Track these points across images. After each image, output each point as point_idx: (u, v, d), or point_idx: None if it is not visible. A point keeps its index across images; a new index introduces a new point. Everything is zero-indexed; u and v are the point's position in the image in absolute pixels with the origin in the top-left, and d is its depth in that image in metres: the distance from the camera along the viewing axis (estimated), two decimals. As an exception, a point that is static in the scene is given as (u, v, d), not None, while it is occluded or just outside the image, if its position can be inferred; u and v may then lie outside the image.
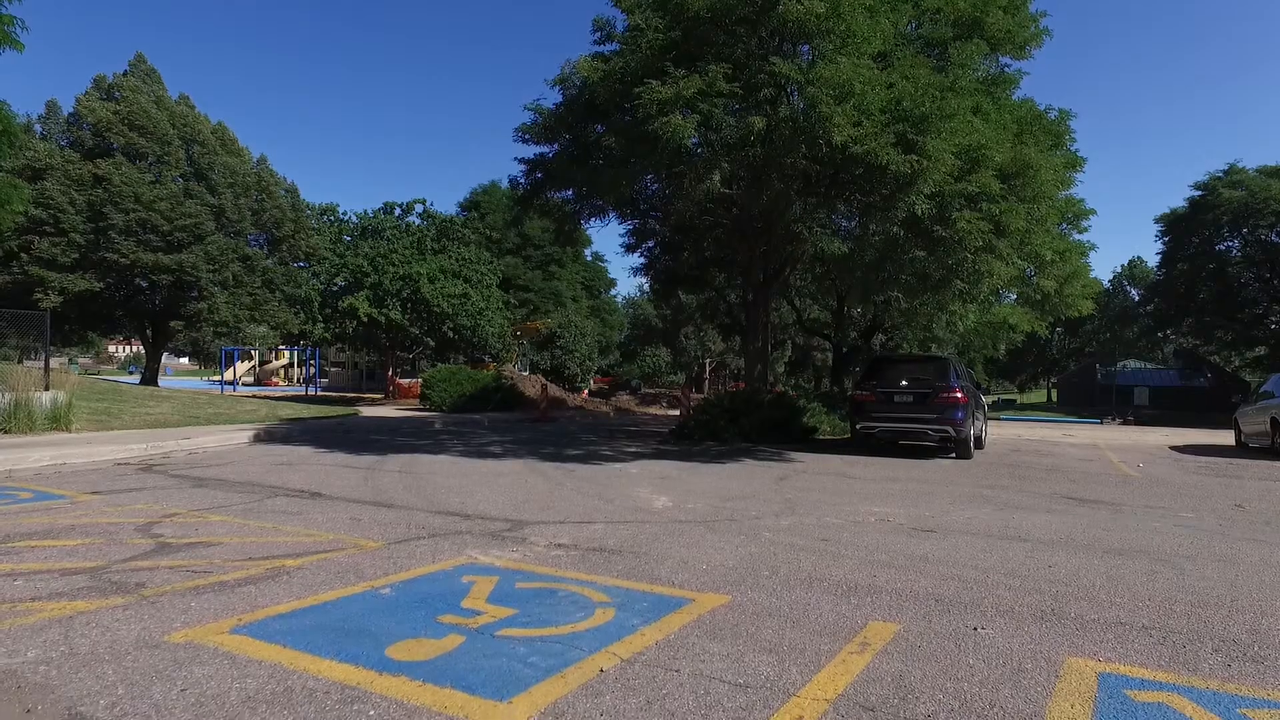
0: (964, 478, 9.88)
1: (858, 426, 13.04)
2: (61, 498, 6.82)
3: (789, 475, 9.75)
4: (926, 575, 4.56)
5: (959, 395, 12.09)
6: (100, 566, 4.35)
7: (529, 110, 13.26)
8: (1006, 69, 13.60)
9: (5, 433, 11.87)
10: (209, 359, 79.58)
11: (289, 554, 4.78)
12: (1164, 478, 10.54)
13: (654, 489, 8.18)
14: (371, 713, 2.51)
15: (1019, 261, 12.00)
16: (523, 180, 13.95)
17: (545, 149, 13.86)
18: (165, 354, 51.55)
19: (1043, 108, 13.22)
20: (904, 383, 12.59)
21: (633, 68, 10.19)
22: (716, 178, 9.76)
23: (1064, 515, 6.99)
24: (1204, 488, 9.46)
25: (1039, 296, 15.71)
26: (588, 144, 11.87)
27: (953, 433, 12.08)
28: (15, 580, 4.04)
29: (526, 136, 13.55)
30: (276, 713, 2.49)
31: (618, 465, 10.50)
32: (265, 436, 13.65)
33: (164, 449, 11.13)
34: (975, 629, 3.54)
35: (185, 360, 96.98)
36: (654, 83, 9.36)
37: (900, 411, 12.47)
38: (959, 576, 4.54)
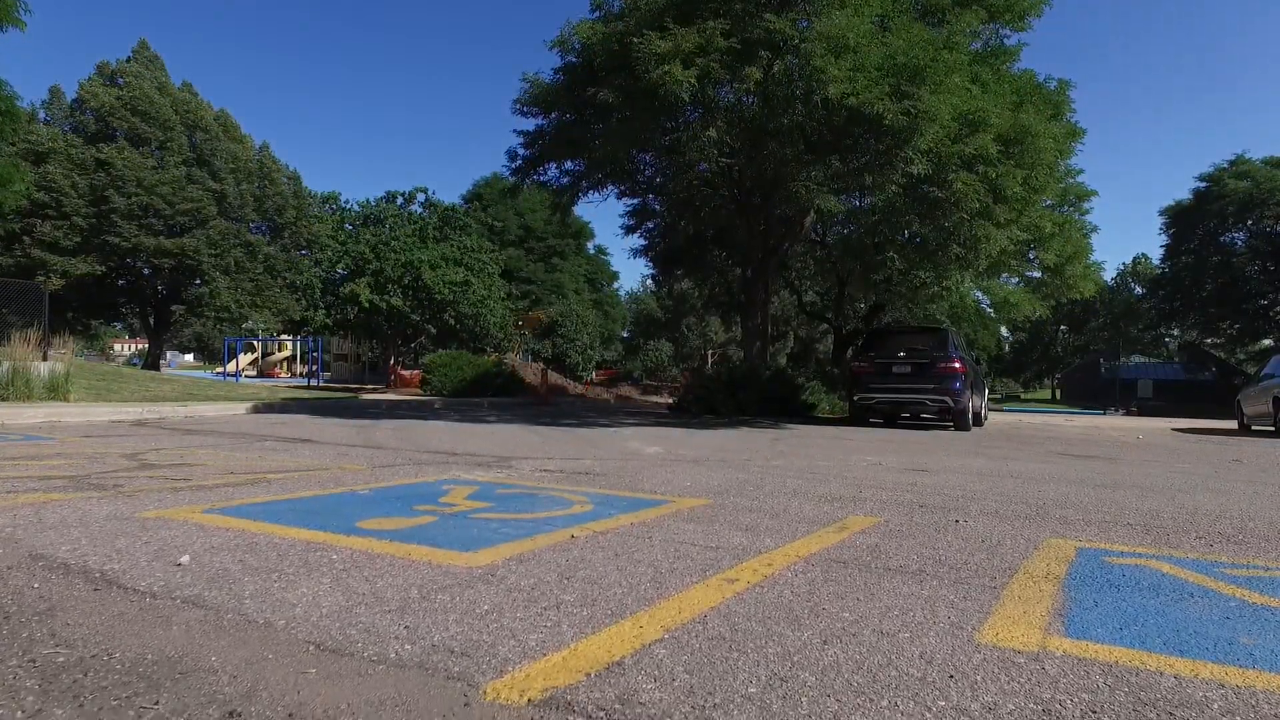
0: (961, 442, 9.81)
1: (855, 398, 12.92)
2: (51, 440, 6.81)
3: (784, 437, 9.71)
4: (913, 493, 4.52)
5: (957, 365, 11.99)
6: (81, 476, 4.34)
7: (525, 81, 13.22)
8: (1006, 41, 13.53)
9: (2, 400, 11.89)
10: (212, 355, 79.81)
11: (272, 471, 4.76)
12: (1163, 444, 10.46)
13: (647, 443, 8.15)
14: (334, 557, 2.48)
15: (1018, 232, 11.91)
16: (522, 151, 13.90)
17: (542, 121, 13.81)
18: (169, 350, 51.71)
19: (1042, 78, 13.14)
20: (902, 353, 12.50)
21: (631, 28, 10.16)
22: (712, 133, 9.71)
23: (1059, 464, 6.93)
24: (1202, 450, 9.39)
25: (1040, 273, 15.60)
26: (586, 111, 11.82)
27: (951, 403, 11.97)
28: (-6, 482, 4.02)
29: (524, 109, 13.49)
30: (239, 555, 2.46)
31: (613, 429, 10.47)
32: (264, 408, 13.65)
33: (160, 413, 11.15)
34: (956, 522, 3.50)
35: (189, 356, 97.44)
36: (652, 34, 9.33)
37: (898, 382, 12.35)
38: (945, 494, 4.49)
